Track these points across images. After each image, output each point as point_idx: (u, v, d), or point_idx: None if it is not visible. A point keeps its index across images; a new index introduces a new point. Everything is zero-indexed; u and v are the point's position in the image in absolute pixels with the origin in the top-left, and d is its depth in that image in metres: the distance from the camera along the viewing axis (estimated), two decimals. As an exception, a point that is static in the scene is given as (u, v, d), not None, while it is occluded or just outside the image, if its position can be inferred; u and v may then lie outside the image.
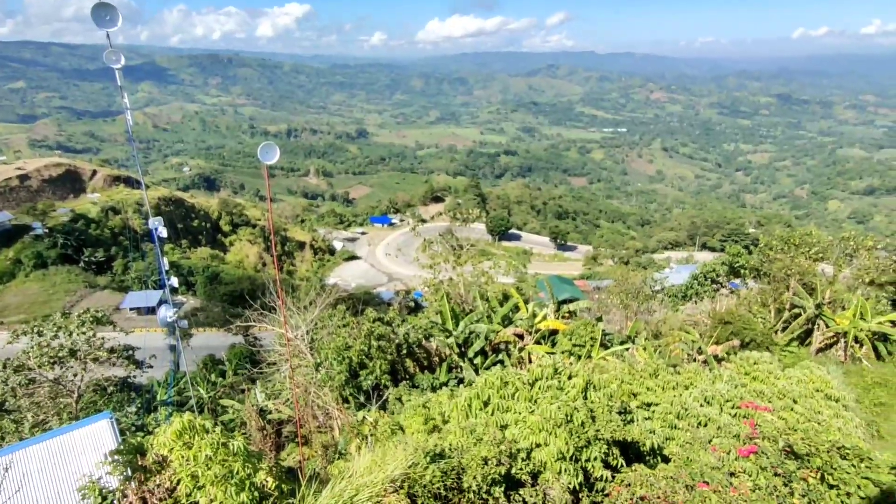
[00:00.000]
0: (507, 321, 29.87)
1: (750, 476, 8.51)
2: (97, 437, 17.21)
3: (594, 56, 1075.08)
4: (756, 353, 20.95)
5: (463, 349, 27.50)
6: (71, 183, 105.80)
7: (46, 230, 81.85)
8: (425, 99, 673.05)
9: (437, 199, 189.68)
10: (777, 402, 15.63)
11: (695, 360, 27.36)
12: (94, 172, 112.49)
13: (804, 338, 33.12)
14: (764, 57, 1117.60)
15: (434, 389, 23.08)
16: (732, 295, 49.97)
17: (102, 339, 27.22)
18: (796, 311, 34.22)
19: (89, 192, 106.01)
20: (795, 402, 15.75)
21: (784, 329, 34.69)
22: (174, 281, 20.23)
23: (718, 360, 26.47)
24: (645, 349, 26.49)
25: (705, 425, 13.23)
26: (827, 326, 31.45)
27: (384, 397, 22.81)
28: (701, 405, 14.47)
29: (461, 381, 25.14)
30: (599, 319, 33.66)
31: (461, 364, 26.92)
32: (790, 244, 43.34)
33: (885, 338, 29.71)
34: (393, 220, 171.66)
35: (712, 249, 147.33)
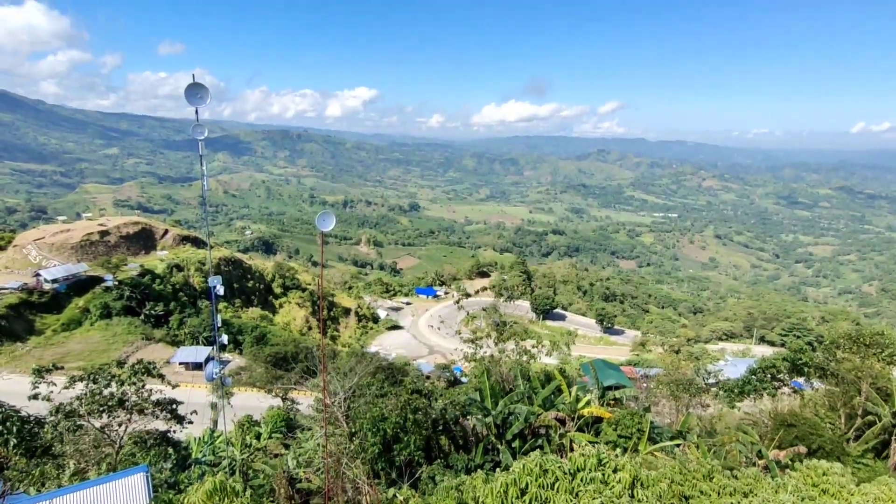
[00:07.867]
0: (548, 404, 28.68)
1: None
2: (132, 489, 17.42)
3: (644, 143, 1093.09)
4: (825, 462, 18.99)
5: (501, 430, 26.45)
6: (144, 240, 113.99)
7: (116, 282, 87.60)
8: (477, 177, 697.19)
9: (483, 274, 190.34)
10: (851, 522, 13.96)
11: (754, 464, 25.06)
12: (166, 231, 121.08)
13: (881, 449, 29.86)
14: (821, 150, 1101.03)
15: (469, 471, 22.10)
16: (795, 395, 46.25)
17: (150, 391, 27.99)
18: (870, 418, 31.19)
19: (159, 249, 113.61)
20: (873, 523, 14.00)
21: (857, 438, 31.49)
22: (224, 338, 21.03)
23: (781, 466, 24.21)
24: (698, 447, 24.66)
25: (767, 540, 11.96)
26: (908, 439, 28.35)
27: (416, 475, 22.02)
28: (761, 516, 13.13)
29: (497, 464, 24.00)
30: (647, 410, 31.88)
31: (498, 446, 25.80)
32: (860, 344, 40.09)
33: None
34: (438, 293, 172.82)
35: (771, 343, 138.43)
